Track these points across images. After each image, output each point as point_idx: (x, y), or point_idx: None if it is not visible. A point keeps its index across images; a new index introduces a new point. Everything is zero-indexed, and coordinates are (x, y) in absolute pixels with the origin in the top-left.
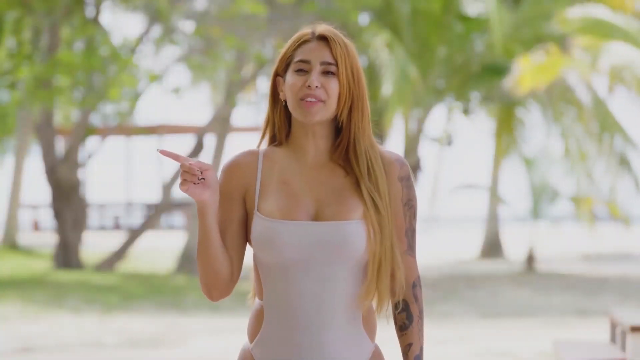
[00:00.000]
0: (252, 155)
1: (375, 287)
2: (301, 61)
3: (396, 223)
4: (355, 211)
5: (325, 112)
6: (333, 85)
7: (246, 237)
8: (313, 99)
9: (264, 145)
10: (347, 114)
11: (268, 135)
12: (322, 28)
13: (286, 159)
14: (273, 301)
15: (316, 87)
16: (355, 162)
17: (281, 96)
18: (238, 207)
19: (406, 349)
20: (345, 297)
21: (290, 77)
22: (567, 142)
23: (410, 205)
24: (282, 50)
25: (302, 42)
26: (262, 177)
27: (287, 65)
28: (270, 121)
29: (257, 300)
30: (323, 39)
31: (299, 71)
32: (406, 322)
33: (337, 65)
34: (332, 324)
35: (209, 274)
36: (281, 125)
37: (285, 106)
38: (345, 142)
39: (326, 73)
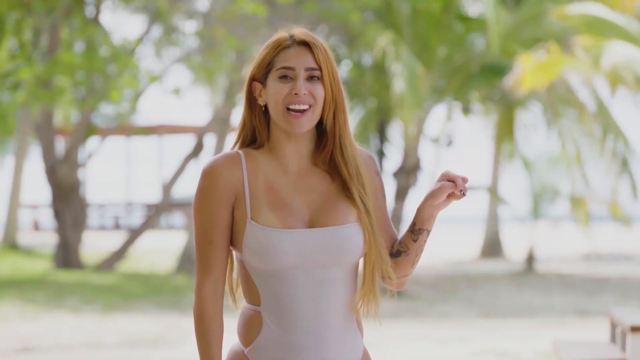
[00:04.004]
0: (234, 158)
1: (369, 288)
2: (285, 68)
3: (381, 213)
4: (349, 214)
5: (312, 120)
6: (319, 90)
7: (230, 243)
8: (301, 106)
9: (238, 146)
10: (331, 118)
11: (243, 138)
12: (301, 32)
13: (268, 163)
14: (272, 306)
15: (304, 93)
16: (344, 166)
17: (260, 101)
18: (227, 213)
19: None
20: (343, 298)
21: (273, 84)
22: (565, 143)
23: (385, 194)
24: (259, 56)
25: (282, 49)
26: (249, 183)
27: (267, 72)
28: (247, 126)
29: (247, 304)
30: (303, 43)
31: (283, 78)
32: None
33: (320, 70)
34: (331, 326)
35: None
36: (261, 129)
37: (265, 110)
38: (330, 146)
39: (310, 78)
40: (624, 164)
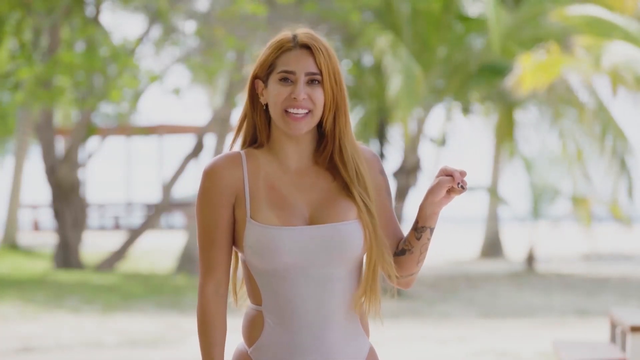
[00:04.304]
0: (235, 159)
1: (370, 288)
2: (285, 72)
3: (385, 212)
4: (350, 211)
5: (311, 123)
6: (318, 94)
7: (232, 243)
8: (299, 110)
9: (238, 145)
10: (331, 120)
11: (244, 137)
12: (303, 35)
13: (269, 163)
14: (273, 305)
15: (303, 98)
16: (343, 169)
17: (262, 100)
18: (229, 213)
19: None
20: (345, 297)
21: (273, 86)
22: (565, 143)
23: (390, 193)
24: (262, 55)
25: (283, 50)
26: (249, 183)
27: (269, 73)
28: (249, 123)
29: (250, 304)
30: (305, 47)
31: (283, 80)
32: (405, 248)
33: (321, 74)
34: (334, 324)
35: None
36: (262, 127)
37: (266, 109)
38: (330, 148)
39: (311, 82)
40: (624, 164)
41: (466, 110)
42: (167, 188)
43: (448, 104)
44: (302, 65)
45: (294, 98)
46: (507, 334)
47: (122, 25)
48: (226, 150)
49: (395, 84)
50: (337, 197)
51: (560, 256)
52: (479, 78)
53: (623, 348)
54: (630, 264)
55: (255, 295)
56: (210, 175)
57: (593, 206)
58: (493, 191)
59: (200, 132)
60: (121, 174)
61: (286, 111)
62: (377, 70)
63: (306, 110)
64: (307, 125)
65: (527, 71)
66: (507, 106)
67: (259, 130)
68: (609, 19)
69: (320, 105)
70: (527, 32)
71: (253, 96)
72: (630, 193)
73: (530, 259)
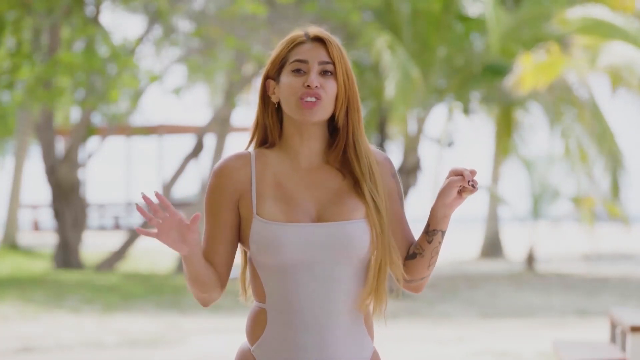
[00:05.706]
0: (244, 158)
1: (375, 288)
2: (298, 61)
3: (396, 216)
4: (357, 211)
5: (323, 112)
6: (331, 85)
7: (237, 241)
8: (313, 98)
9: (252, 146)
10: (344, 115)
11: (257, 138)
12: (316, 30)
13: (279, 161)
14: (276, 303)
15: (316, 86)
16: (357, 163)
17: (273, 98)
18: (231, 212)
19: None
20: (349, 297)
21: (286, 77)
22: (568, 142)
23: (402, 197)
24: (274, 53)
25: (296, 44)
26: (257, 181)
27: (280, 68)
28: (260, 124)
29: (255, 302)
30: (318, 40)
31: (296, 71)
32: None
33: (334, 65)
34: (337, 324)
35: (198, 290)
36: (273, 126)
37: (277, 108)
38: (342, 144)
39: (323, 73)
40: (621, 164)
41: (467, 110)
42: (167, 188)
43: (448, 104)
44: (315, 54)
45: (308, 86)
46: (507, 334)
47: (122, 25)
48: (234, 150)
49: (391, 85)
50: (345, 196)
51: (560, 256)
52: (479, 78)
53: (623, 348)
54: (630, 264)
55: (259, 293)
56: (217, 174)
57: (595, 205)
58: (493, 191)
59: (200, 132)
60: (121, 174)
61: (300, 99)
62: (377, 69)
63: (319, 99)
64: (320, 113)
65: (527, 71)
66: (507, 106)
67: (270, 130)
68: (609, 19)
69: (333, 95)
70: (527, 32)
71: (264, 97)
72: (615, 192)
73: (530, 259)
